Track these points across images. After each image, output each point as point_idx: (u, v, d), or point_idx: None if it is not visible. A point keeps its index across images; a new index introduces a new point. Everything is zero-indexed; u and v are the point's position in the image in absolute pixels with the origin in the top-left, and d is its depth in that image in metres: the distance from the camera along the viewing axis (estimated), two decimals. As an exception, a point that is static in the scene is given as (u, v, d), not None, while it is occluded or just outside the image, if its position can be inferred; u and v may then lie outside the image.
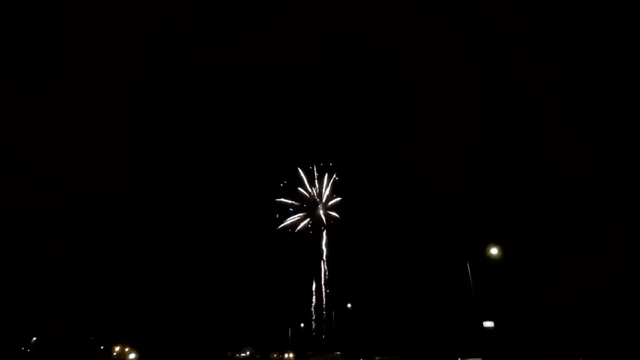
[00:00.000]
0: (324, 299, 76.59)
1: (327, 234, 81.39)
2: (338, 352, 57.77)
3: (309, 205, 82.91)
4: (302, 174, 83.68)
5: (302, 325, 71.93)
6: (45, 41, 71.22)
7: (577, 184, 52.85)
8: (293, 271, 78.92)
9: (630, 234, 44.70)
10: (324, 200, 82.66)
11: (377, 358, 48.59)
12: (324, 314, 74.49)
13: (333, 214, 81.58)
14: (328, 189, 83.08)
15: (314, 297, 76.68)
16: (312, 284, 78.23)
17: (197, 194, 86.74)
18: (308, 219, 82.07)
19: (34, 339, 62.56)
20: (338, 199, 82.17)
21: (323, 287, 77.71)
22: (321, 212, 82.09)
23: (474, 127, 70.66)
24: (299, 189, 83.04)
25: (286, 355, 67.53)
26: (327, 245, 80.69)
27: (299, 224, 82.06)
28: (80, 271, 68.87)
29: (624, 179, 49.33)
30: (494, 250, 22.41)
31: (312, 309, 75.42)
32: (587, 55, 57.15)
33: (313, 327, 73.20)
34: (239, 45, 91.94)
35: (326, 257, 79.66)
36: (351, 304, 57.77)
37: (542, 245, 51.07)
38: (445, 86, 76.96)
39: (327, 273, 78.16)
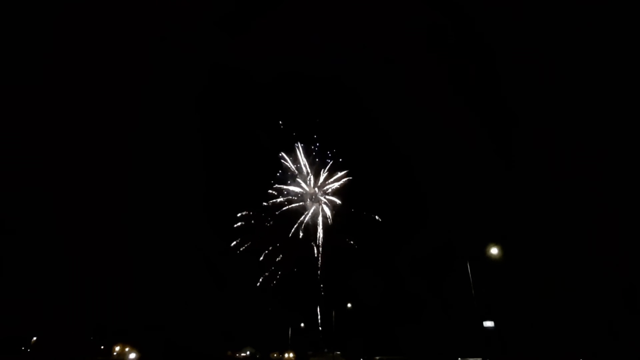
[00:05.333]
0: (321, 298, 76.87)
1: (323, 227, 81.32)
2: (338, 352, 57.77)
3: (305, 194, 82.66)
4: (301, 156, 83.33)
5: (302, 325, 72.01)
6: (45, 40, 71.16)
7: (577, 184, 52.89)
8: (293, 270, 79.26)
9: (630, 234, 44.73)
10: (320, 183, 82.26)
11: (377, 358, 48.61)
12: (318, 314, 74.73)
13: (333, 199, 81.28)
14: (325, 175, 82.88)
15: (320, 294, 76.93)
16: (314, 283, 78.51)
17: (195, 189, 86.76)
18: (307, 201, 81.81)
19: (34, 339, 62.53)
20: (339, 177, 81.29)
21: (318, 284, 78.00)
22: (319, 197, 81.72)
23: (474, 127, 70.75)
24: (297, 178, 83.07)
25: (286, 355, 67.52)
26: (323, 240, 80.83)
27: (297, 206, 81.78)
28: (80, 271, 68.94)
29: (624, 179, 49.38)
30: (494, 250, 22.42)
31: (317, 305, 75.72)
32: (587, 55, 57.19)
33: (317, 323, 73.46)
34: (239, 44, 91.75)
35: (321, 253, 79.79)
36: (351, 303, 57.81)
37: (542, 244, 51.15)
38: (445, 86, 76.95)
39: (323, 270, 78.39)
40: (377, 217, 78.26)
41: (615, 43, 53.74)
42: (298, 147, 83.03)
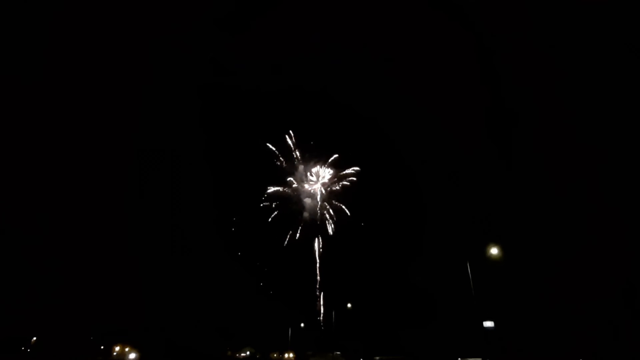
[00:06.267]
0: (321, 298, 76.94)
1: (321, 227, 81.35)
2: (338, 352, 57.72)
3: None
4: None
5: (302, 325, 72.01)
6: (45, 40, 71.15)
7: (577, 184, 52.88)
8: (293, 269, 79.32)
9: (630, 234, 44.72)
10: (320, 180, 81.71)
11: (377, 358, 48.57)
12: (320, 314, 74.71)
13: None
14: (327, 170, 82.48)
15: (318, 294, 77.04)
16: (314, 283, 78.61)
17: (194, 189, 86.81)
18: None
19: (34, 339, 62.51)
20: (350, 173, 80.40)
21: (318, 284, 78.10)
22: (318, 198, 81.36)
23: (474, 127, 70.72)
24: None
25: (286, 355, 67.53)
26: (322, 241, 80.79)
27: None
28: (80, 271, 68.94)
29: (624, 179, 49.36)
30: (494, 250, 22.39)
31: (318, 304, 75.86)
32: (587, 55, 57.16)
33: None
34: (239, 44, 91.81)
35: (320, 254, 79.82)
36: (351, 303, 57.77)
37: (542, 245, 51.14)
38: (445, 86, 76.96)
39: (322, 270, 78.42)
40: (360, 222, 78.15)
41: (615, 43, 53.75)
42: (291, 137, 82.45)
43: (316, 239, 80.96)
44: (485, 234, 56.24)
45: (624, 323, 40.14)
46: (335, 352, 56.84)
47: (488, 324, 24.75)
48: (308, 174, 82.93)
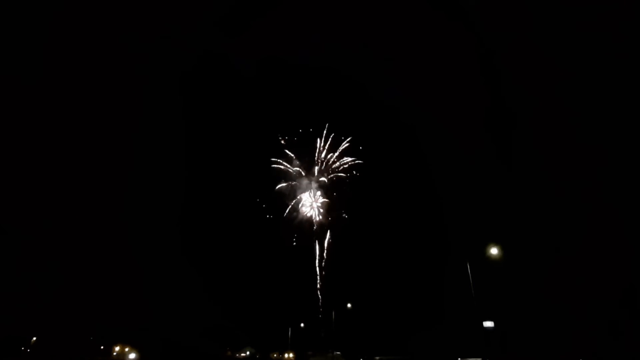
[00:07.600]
0: (321, 298, 76.94)
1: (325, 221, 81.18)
2: (338, 352, 57.67)
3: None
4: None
5: (302, 325, 71.92)
6: (46, 40, 71.17)
7: (577, 184, 52.87)
8: (293, 270, 79.21)
9: (630, 234, 44.74)
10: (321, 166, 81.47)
11: (377, 358, 48.65)
12: (320, 314, 74.73)
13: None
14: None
15: (318, 291, 77.02)
16: (315, 283, 78.61)
17: (193, 189, 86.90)
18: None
19: (34, 339, 62.50)
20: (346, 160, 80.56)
21: (319, 282, 78.04)
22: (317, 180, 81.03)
23: (474, 127, 70.75)
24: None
25: (286, 355, 67.52)
26: (322, 241, 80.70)
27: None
28: (80, 271, 68.93)
29: (624, 179, 49.37)
30: (494, 250, 22.37)
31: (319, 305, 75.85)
32: (587, 55, 57.17)
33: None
34: (239, 44, 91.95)
35: (320, 254, 79.74)
36: (351, 303, 57.70)
37: (542, 245, 51.16)
38: (445, 86, 77.02)
39: (323, 270, 78.33)
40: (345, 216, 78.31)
41: (615, 44, 53.74)
42: (287, 137, 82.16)
43: (316, 239, 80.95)
44: (485, 234, 56.27)
45: (624, 323, 40.16)
46: (335, 352, 56.79)
47: (488, 324, 24.72)
48: (308, 173, 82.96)
